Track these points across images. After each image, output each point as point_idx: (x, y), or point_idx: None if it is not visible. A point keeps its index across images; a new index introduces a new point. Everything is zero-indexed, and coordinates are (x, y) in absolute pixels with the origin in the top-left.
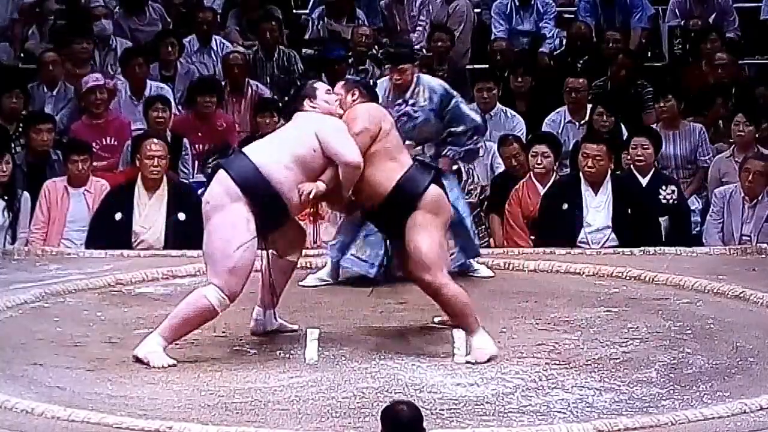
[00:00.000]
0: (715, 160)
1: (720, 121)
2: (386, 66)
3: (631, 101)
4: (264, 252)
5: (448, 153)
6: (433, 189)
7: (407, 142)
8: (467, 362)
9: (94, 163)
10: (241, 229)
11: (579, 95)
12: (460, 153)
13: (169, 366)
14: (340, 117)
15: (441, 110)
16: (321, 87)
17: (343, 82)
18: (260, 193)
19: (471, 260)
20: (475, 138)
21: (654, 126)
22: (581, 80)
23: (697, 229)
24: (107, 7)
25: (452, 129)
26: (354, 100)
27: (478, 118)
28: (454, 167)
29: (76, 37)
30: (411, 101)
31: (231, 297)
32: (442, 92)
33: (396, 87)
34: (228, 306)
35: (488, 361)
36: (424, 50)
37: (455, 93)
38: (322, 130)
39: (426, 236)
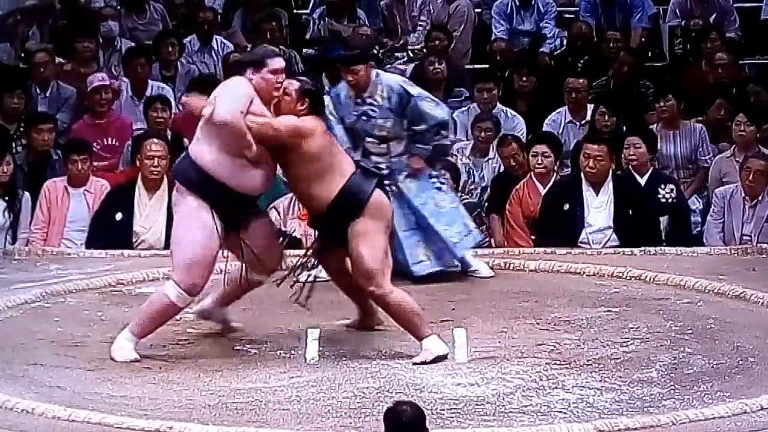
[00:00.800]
0: (716, 160)
1: (718, 121)
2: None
3: (633, 101)
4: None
5: (416, 152)
6: (376, 195)
7: (369, 139)
8: (413, 363)
9: (95, 163)
10: (192, 224)
11: (579, 95)
12: (428, 150)
13: (132, 361)
14: (276, 105)
15: (401, 109)
16: (274, 63)
17: (299, 86)
18: (200, 184)
19: (468, 259)
20: (442, 133)
21: (654, 126)
22: (581, 80)
23: (698, 229)
24: (115, 8)
25: (414, 128)
26: (301, 109)
27: (440, 114)
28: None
29: (78, 37)
30: (369, 100)
31: (188, 291)
32: (400, 91)
33: (351, 87)
34: (190, 300)
35: (434, 361)
36: (424, 50)
37: (416, 91)
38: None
39: (368, 245)
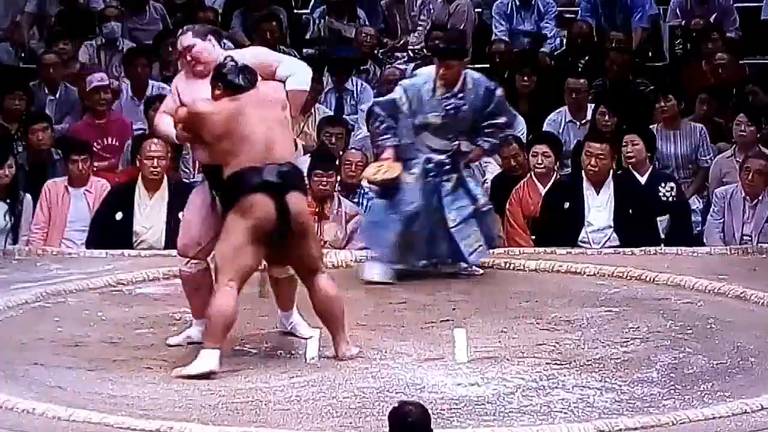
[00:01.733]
0: (717, 160)
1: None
2: (434, 59)
3: (632, 100)
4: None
5: (483, 144)
6: (254, 196)
7: (449, 136)
8: (180, 375)
9: (95, 164)
10: (190, 205)
11: (579, 95)
12: (494, 144)
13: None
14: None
15: (487, 102)
16: (179, 44)
17: (213, 72)
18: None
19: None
20: (506, 131)
21: (654, 126)
22: (582, 80)
23: (698, 228)
24: (118, 9)
25: (493, 121)
26: (217, 93)
27: (514, 112)
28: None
29: (64, 38)
30: (460, 95)
31: (180, 253)
32: (487, 84)
33: (443, 81)
34: (186, 262)
35: (195, 376)
36: (424, 50)
37: (497, 86)
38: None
39: (224, 240)
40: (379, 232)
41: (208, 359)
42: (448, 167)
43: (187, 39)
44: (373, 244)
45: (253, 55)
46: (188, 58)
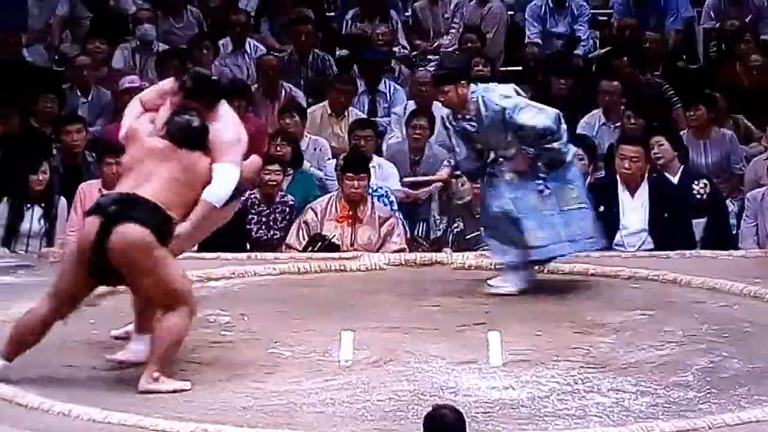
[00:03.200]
0: (752, 163)
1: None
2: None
3: (658, 103)
4: None
5: (522, 152)
6: (88, 219)
7: (478, 146)
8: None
9: None
10: None
11: (613, 98)
12: (532, 152)
13: None
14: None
15: (501, 122)
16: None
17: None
18: None
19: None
20: (547, 138)
21: (683, 134)
22: (615, 83)
23: (734, 231)
24: (152, 11)
25: (519, 133)
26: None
27: (539, 123)
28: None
29: (95, 38)
30: (468, 117)
31: None
32: (493, 107)
33: (444, 106)
34: None
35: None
36: (456, 52)
37: (511, 103)
38: None
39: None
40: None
41: None
42: (492, 171)
43: (168, 84)
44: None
45: (218, 132)
46: (171, 100)
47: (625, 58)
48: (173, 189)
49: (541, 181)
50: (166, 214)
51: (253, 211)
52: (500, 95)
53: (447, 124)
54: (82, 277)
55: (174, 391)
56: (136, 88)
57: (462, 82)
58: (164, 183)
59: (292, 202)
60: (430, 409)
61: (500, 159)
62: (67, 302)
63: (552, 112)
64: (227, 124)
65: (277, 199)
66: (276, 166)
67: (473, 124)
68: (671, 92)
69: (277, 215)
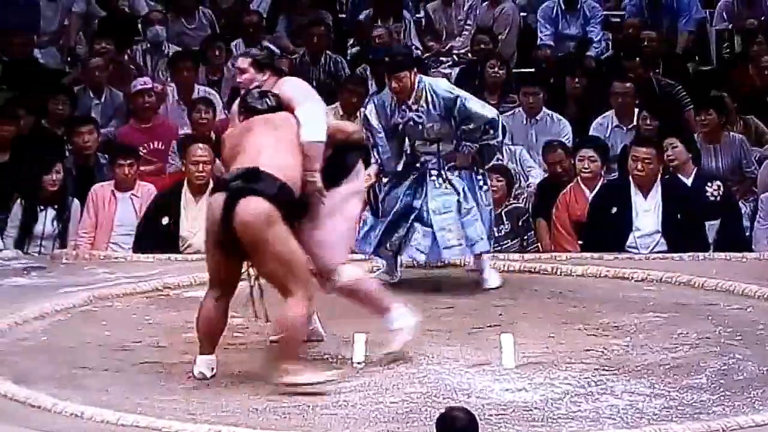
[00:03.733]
0: (765, 164)
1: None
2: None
3: (671, 104)
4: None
5: (463, 149)
6: (215, 195)
7: (418, 142)
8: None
9: (141, 168)
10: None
11: (626, 99)
12: (475, 147)
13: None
14: None
15: (448, 111)
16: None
17: (241, 104)
18: None
19: (485, 265)
20: (491, 132)
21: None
22: (628, 84)
23: (747, 234)
24: (162, 13)
25: (463, 127)
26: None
27: (488, 114)
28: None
29: (107, 38)
30: (414, 106)
31: None
32: (445, 95)
33: (396, 94)
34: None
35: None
36: (469, 54)
37: (460, 92)
38: None
39: None
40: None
41: (203, 364)
42: (433, 168)
43: (243, 63)
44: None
45: (285, 88)
46: (238, 78)
47: (637, 59)
48: (288, 150)
49: (481, 177)
50: (286, 184)
51: None
52: (447, 85)
53: (369, 124)
54: (222, 257)
55: (310, 384)
56: (149, 89)
57: (414, 69)
58: (281, 144)
59: None
60: (442, 410)
61: (429, 157)
62: (225, 285)
63: (493, 108)
64: (293, 82)
65: None
66: None
67: (420, 114)
68: (683, 93)
69: None
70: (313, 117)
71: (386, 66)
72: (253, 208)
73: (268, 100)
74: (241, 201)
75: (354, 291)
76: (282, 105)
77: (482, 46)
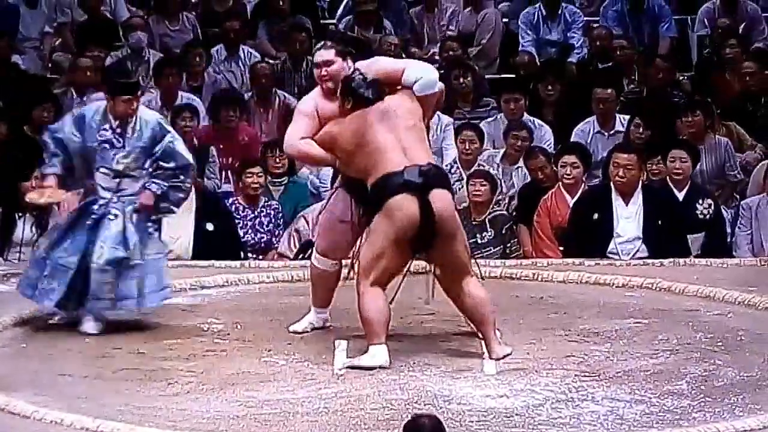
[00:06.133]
0: (759, 167)
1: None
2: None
3: (666, 110)
4: None
5: (150, 186)
6: (397, 197)
7: (102, 170)
8: (352, 365)
9: None
10: (330, 210)
11: (607, 105)
12: (164, 188)
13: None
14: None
15: (152, 144)
16: (315, 59)
17: (340, 86)
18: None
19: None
20: (181, 177)
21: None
22: (609, 90)
23: (728, 240)
24: (143, 18)
25: (162, 163)
26: (346, 108)
27: (189, 158)
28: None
29: (94, 45)
30: (118, 131)
31: (322, 254)
32: (154, 126)
33: (112, 115)
34: (325, 260)
35: (365, 367)
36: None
37: (172, 130)
38: None
39: (369, 242)
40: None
41: (379, 354)
42: (114, 207)
43: (328, 54)
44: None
45: (377, 66)
46: (323, 72)
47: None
48: (419, 134)
49: (151, 224)
50: (445, 173)
51: (238, 216)
52: (160, 117)
53: (71, 131)
54: (407, 255)
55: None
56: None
57: (138, 95)
58: (414, 136)
59: (277, 205)
60: (409, 418)
61: (108, 194)
62: (389, 279)
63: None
64: (380, 58)
65: (262, 203)
66: (257, 169)
67: (120, 139)
68: (680, 98)
69: (263, 218)
70: (422, 71)
71: (124, 88)
72: (446, 198)
73: (376, 87)
74: (432, 195)
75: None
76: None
77: (450, 53)
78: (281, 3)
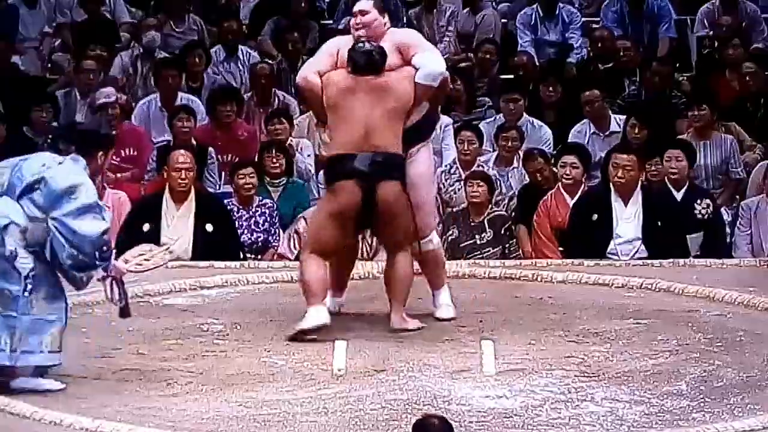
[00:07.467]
0: (758, 167)
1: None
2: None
3: (665, 112)
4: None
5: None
6: (342, 182)
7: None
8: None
9: (118, 175)
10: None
11: (594, 107)
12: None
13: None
14: None
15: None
16: (355, 7)
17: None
18: None
19: None
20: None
21: (685, 136)
22: (596, 92)
23: (728, 240)
24: (158, 19)
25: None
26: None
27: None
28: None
29: (96, 46)
30: None
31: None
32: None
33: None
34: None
35: (314, 331)
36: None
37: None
38: None
39: (312, 217)
40: None
41: (311, 315)
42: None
43: (366, 4)
44: None
45: (404, 35)
46: (357, 21)
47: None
48: (396, 118)
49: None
50: (400, 162)
51: (234, 218)
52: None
53: None
54: (346, 233)
55: (418, 329)
56: (112, 103)
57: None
58: (389, 119)
59: (272, 204)
60: (418, 418)
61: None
62: (330, 252)
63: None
64: (409, 31)
65: (256, 203)
66: (249, 170)
67: None
68: (682, 102)
69: (258, 218)
70: (430, 61)
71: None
72: (392, 189)
73: (373, 58)
74: (380, 186)
75: (435, 258)
76: (385, 59)
77: (487, 55)
78: (302, 4)
